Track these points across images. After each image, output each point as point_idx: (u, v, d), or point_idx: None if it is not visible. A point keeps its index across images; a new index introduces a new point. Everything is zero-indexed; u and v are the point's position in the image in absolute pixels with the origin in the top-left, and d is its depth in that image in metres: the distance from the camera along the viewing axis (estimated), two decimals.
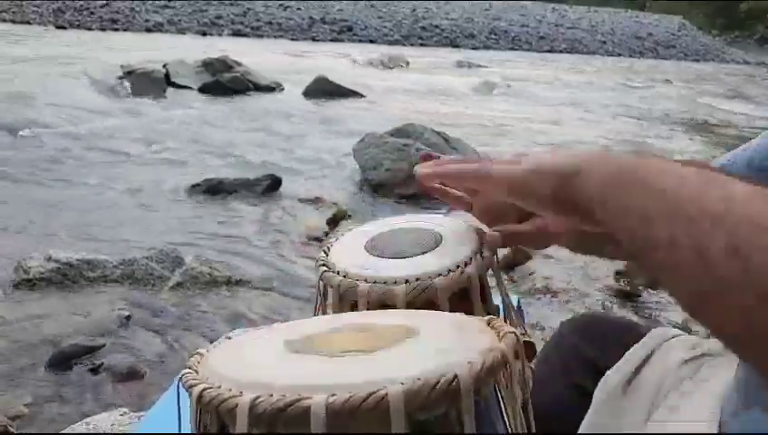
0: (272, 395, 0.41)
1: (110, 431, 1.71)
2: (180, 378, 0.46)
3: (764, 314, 0.38)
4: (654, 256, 0.45)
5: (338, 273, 0.71)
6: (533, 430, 0.58)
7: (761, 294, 0.38)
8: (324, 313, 0.72)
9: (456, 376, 0.41)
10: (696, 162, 0.46)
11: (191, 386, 0.44)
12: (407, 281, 0.67)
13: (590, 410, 0.86)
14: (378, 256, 0.74)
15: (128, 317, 2.68)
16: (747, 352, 0.41)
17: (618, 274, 3.47)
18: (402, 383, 0.40)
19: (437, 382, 0.41)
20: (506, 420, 0.49)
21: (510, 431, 0.50)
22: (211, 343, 0.57)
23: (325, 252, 0.77)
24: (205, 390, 0.43)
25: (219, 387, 0.43)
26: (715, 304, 0.41)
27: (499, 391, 0.49)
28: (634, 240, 0.46)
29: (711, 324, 0.42)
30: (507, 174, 0.55)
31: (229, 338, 0.55)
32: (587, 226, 0.53)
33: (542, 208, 0.56)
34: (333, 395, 0.40)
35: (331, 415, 0.39)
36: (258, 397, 0.41)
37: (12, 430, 1.98)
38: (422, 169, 0.66)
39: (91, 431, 1.72)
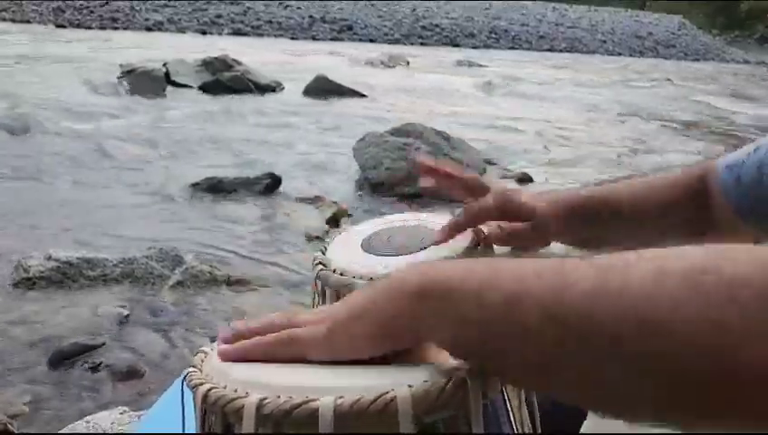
0: (279, 396, 0.40)
1: (109, 430, 1.71)
2: (185, 377, 0.46)
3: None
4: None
5: (334, 271, 0.71)
6: (539, 431, 0.58)
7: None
8: None
9: (464, 379, 0.41)
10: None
11: (196, 385, 0.44)
12: None
13: (583, 428, 0.87)
14: (374, 254, 0.75)
15: (128, 316, 2.67)
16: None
17: None
18: (410, 386, 0.40)
19: (446, 385, 0.41)
20: (513, 420, 0.49)
21: (516, 432, 0.50)
22: (212, 341, 0.56)
23: (322, 251, 0.77)
24: (210, 390, 0.43)
25: (225, 387, 0.43)
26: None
27: (505, 392, 0.49)
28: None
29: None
30: (310, 337, 0.48)
31: None
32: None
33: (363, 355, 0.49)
34: (341, 397, 0.39)
35: (338, 417, 0.39)
36: (265, 398, 0.40)
37: (12, 428, 1.97)
38: None
39: (91, 430, 1.72)
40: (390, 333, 0.45)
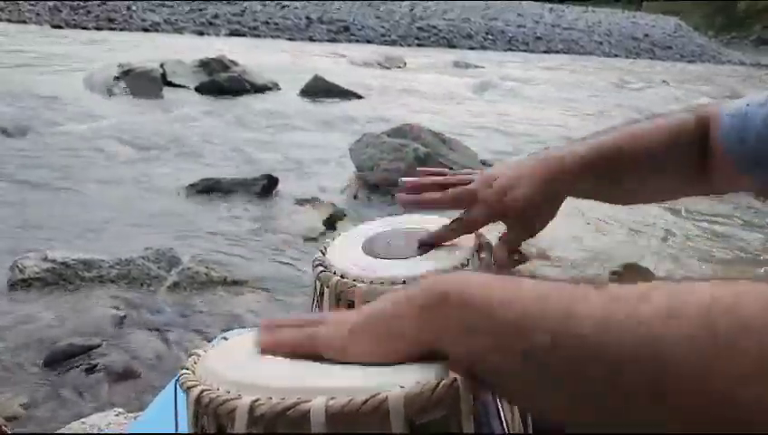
0: (270, 398, 0.41)
1: (105, 431, 1.70)
2: (178, 379, 0.46)
3: None
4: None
5: (335, 273, 0.71)
6: (530, 430, 0.58)
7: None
8: (321, 312, 0.72)
9: (455, 379, 0.41)
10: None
11: (189, 387, 0.44)
12: (404, 282, 0.67)
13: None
14: (375, 256, 0.74)
15: (124, 317, 2.67)
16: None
17: (613, 274, 3.48)
18: (402, 387, 0.40)
19: (437, 386, 0.41)
20: (504, 420, 0.49)
21: (507, 432, 0.50)
22: (208, 341, 0.57)
23: (322, 252, 0.77)
24: (203, 392, 0.43)
25: (218, 389, 0.43)
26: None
27: (496, 393, 0.49)
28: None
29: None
30: (330, 338, 0.49)
31: (225, 339, 0.55)
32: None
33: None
34: (333, 398, 0.40)
35: (330, 418, 0.39)
36: (257, 399, 0.41)
37: (7, 430, 1.97)
38: None
39: (87, 431, 1.71)
40: (406, 342, 0.45)
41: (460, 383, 0.41)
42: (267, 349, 0.49)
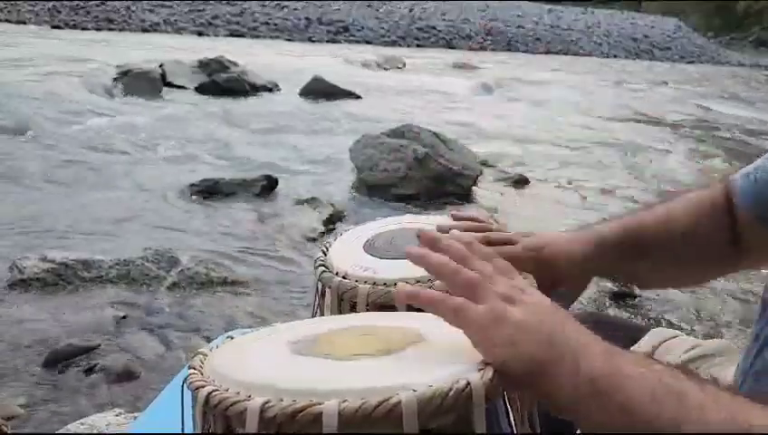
0: (282, 399, 0.40)
1: (105, 432, 1.70)
2: (185, 379, 0.46)
3: None
4: None
5: (337, 274, 0.71)
6: (538, 431, 0.58)
7: None
8: (322, 313, 0.72)
9: (468, 383, 0.41)
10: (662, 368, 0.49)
11: (198, 388, 0.44)
12: (406, 283, 0.66)
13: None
14: (377, 256, 0.74)
15: (123, 317, 2.67)
16: None
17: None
18: (415, 390, 0.40)
19: (450, 390, 0.41)
20: (512, 422, 0.49)
21: (516, 433, 0.50)
22: (208, 341, 0.56)
23: (324, 252, 0.76)
24: (212, 392, 0.43)
25: (227, 390, 0.43)
26: None
27: (506, 397, 0.49)
28: None
29: None
30: (478, 336, 0.49)
31: (231, 338, 0.55)
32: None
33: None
34: (345, 401, 0.39)
35: (343, 421, 0.39)
36: (268, 401, 0.40)
37: (6, 430, 1.97)
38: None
39: (86, 432, 1.71)
40: (550, 360, 0.47)
41: (472, 387, 0.41)
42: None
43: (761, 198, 0.79)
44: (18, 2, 15.15)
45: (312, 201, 4.14)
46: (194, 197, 4.22)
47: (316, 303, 0.73)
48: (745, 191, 0.80)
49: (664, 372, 0.48)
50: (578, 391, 0.46)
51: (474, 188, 4.78)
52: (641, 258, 0.82)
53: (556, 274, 0.78)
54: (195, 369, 0.47)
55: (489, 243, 0.76)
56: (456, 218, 0.83)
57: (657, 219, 0.84)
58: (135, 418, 1.71)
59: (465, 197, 4.62)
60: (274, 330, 0.57)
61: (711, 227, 0.83)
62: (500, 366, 0.46)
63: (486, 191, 4.85)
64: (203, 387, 0.44)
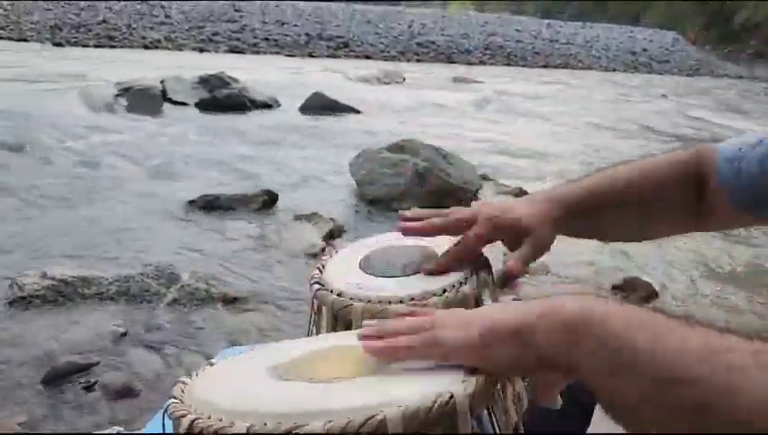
0: (266, 423, 0.40)
1: None
2: (166, 408, 0.46)
3: None
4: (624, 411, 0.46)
5: (332, 291, 0.70)
6: None
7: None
8: (318, 330, 0.72)
9: (451, 396, 0.41)
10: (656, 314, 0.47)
11: (179, 417, 0.44)
12: (401, 301, 0.66)
13: (590, 428, 0.87)
14: (372, 274, 0.74)
15: (123, 334, 2.66)
16: None
17: (614, 288, 3.47)
18: (400, 406, 0.40)
19: (434, 403, 0.41)
20: (498, 432, 0.49)
21: None
22: (207, 359, 0.56)
23: (319, 269, 0.76)
24: (195, 420, 0.43)
25: (209, 417, 0.43)
26: None
27: (492, 408, 0.49)
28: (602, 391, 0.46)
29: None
30: (461, 343, 0.49)
31: (211, 365, 0.55)
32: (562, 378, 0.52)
33: (502, 373, 0.52)
34: (330, 421, 0.39)
35: None
36: (252, 425, 0.40)
37: None
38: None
39: None
40: (542, 364, 0.47)
41: (456, 401, 0.41)
42: (382, 358, 0.49)
43: (741, 193, 0.80)
44: (20, 19, 15.24)
45: (312, 217, 4.14)
46: (194, 212, 4.22)
47: (312, 320, 0.73)
48: (726, 178, 0.81)
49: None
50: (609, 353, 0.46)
51: (474, 202, 4.78)
52: (603, 214, 0.84)
53: (521, 232, 0.79)
54: (176, 398, 0.47)
55: (454, 225, 0.80)
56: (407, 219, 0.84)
57: (631, 173, 0.85)
58: None
59: None
60: (254, 354, 0.57)
61: (679, 192, 0.85)
62: (486, 339, 0.47)
63: None
64: (185, 416, 0.43)
